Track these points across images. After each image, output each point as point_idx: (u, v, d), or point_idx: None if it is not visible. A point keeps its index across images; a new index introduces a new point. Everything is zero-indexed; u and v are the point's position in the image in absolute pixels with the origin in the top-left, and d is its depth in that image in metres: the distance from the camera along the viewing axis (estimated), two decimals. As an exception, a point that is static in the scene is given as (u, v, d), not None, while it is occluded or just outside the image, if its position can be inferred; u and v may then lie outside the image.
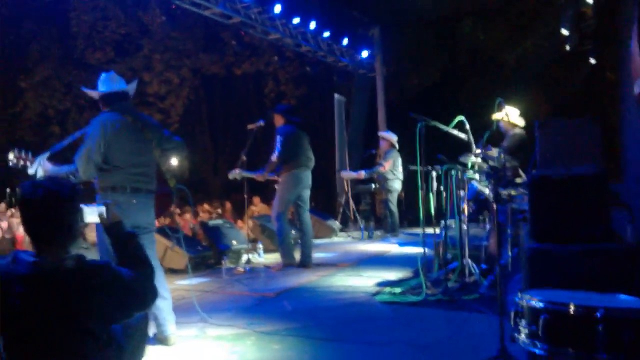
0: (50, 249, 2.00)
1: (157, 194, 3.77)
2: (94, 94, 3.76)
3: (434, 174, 5.20)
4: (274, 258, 7.41)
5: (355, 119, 11.89)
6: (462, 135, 5.11)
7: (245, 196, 6.78)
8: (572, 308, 2.18)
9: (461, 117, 5.03)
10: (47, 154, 3.63)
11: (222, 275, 6.04)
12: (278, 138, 6.27)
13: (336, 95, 11.48)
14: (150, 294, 2.22)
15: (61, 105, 20.66)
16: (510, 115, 5.46)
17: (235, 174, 6.50)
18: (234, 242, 7.07)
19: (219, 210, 12.88)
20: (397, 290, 5.00)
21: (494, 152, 4.90)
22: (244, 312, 4.43)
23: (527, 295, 2.37)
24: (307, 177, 6.40)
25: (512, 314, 2.40)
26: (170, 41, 18.79)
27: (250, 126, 6.77)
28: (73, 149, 3.66)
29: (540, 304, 2.27)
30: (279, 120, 6.46)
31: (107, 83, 3.72)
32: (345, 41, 11.09)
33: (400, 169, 8.83)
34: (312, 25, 9.80)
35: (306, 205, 6.48)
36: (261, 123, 6.80)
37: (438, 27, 11.78)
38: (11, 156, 3.53)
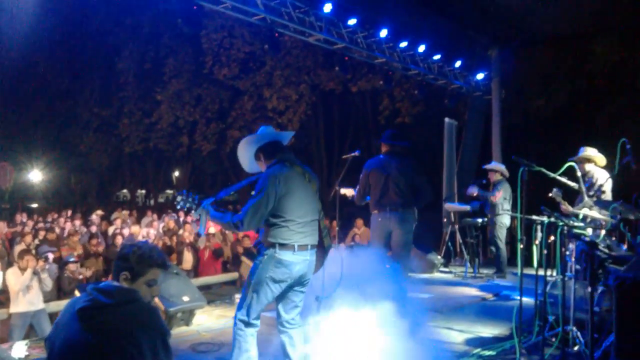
0: None
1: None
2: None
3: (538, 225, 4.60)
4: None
5: (468, 145, 11.08)
6: (572, 184, 4.50)
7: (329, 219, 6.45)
8: None
9: (571, 163, 4.44)
10: (212, 200, 3.61)
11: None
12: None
13: (447, 119, 10.82)
14: None
15: (190, 117, 22.13)
16: None
17: (345, 190, 5.98)
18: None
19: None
20: (487, 353, 4.49)
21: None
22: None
23: None
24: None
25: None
26: (291, 58, 19.27)
27: (344, 156, 6.58)
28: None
29: None
30: (383, 150, 5.78)
31: (266, 134, 3.62)
32: (458, 63, 10.49)
33: (510, 202, 8.08)
34: (421, 48, 9.36)
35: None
36: (356, 153, 6.57)
37: (565, 46, 10.81)
38: (179, 198, 3.65)
